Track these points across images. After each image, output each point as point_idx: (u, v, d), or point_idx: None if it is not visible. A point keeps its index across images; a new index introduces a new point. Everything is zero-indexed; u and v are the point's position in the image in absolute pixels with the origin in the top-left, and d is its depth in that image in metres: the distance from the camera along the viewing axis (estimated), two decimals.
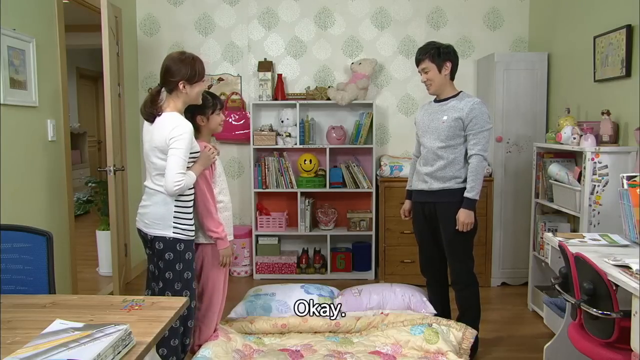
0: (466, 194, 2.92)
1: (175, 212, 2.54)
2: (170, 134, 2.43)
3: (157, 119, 2.52)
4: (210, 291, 2.87)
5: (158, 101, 2.56)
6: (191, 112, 2.79)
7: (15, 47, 2.96)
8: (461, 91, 3.08)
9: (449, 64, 2.99)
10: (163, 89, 2.58)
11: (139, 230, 2.65)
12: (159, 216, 2.54)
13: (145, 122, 2.61)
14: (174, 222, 2.54)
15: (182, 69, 2.52)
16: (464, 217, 2.92)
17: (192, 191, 2.61)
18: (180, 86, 2.52)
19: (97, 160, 9.13)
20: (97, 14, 3.62)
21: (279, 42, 4.79)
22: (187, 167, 2.52)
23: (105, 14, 3.50)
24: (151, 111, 2.53)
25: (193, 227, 2.63)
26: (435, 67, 2.99)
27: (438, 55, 2.98)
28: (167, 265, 2.56)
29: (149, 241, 2.59)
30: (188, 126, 2.48)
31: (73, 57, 6.94)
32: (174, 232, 2.54)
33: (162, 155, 2.48)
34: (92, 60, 8.51)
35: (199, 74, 2.56)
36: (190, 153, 2.52)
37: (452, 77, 3.05)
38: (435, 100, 3.11)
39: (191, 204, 2.61)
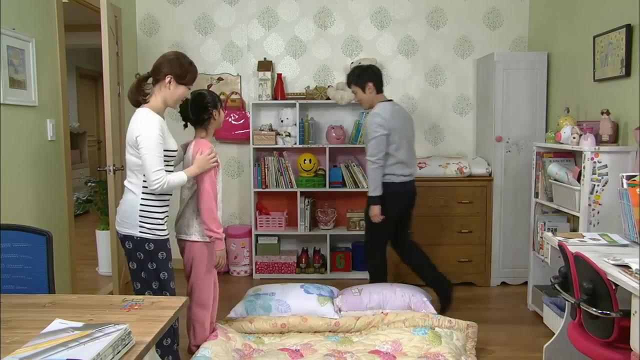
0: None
1: (140, 210, 2.49)
2: (138, 130, 2.41)
3: (135, 113, 2.51)
4: (200, 289, 2.86)
5: (144, 88, 2.55)
6: (204, 108, 2.80)
7: (15, 46, 2.96)
8: (381, 102, 3.56)
9: (370, 84, 3.54)
10: (151, 79, 2.58)
11: (117, 231, 2.62)
12: (126, 214, 2.52)
13: None
14: (139, 222, 2.49)
15: (176, 65, 2.52)
16: (369, 211, 3.54)
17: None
18: (167, 80, 2.51)
19: (96, 159, 9.12)
20: (97, 14, 3.62)
21: (279, 41, 4.79)
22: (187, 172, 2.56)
23: (104, 13, 3.50)
24: (136, 97, 2.53)
25: (163, 227, 2.56)
26: (359, 89, 3.57)
27: (358, 79, 3.55)
28: (140, 265, 2.55)
29: (122, 240, 2.57)
30: (156, 123, 2.44)
31: (73, 57, 6.95)
32: (140, 232, 2.49)
33: (132, 150, 2.47)
34: (92, 59, 8.51)
35: (189, 78, 2.56)
36: (165, 150, 2.48)
37: (379, 91, 3.59)
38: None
39: (161, 203, 2.55)
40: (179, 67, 2.52)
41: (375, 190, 3.49)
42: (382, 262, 3.76)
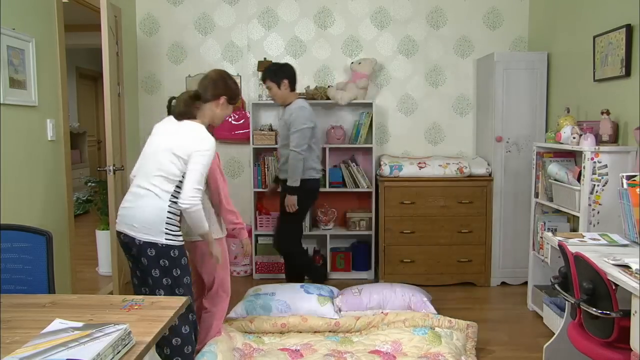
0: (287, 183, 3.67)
1: (168, 217, 2.45)
2: (197, 145, 2.44)
3: (184, 124, 2.52)
4: (227, 282, 2.92)
5: (195, 104, 2.58)
6: None
7: (15, 46, 2.96)
8: (298, 97, 3.77)
9: (286, 81, 3.67)
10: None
11: (121, 233, 2.52)
12: (148, 220, 2.43)
13: (165, 121, 2.60)
14: (166, 229, 2.44)
15: (232, 86, 2.66)
16: (286, 200, 3.70)
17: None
18: (221, 100, 2.62)
19: (96, 159, 9.12)
20: (97, 14, 3.62)
21: (279, 41, 4.79)
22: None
23: (104, 13, 3.50)
24: (186, 110, 2.54)
25: (181, 231, 2.54)
26: (275, 85, 3.67)
27: (275, 75, 3.66)
28: (164, 272, 2.48)
29: (138, 246, 2.46)
30: (213, 143, 2.50)
31: (73, 57, 6.94)
32: (166, 239, 2.44)
33: (177, 160, 2.44)
34: (92, 59, 8.50)
35: (237, 98, 2.72)
36: None
37: (292, 89, 3.74)
38: (285, 105, 3.79)
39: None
40: (231, 89, 2.67)
41: (296, 181, 3.63)
42: (306, 256, 3.99)
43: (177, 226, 2.50)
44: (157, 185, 2.47)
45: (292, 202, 3.67)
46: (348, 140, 4.67)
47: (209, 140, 2.48)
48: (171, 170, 2.46)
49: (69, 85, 5.66)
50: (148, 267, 2.48)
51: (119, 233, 2.54)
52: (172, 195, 2.47)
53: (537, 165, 3.76)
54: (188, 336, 2.53)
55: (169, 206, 2.45)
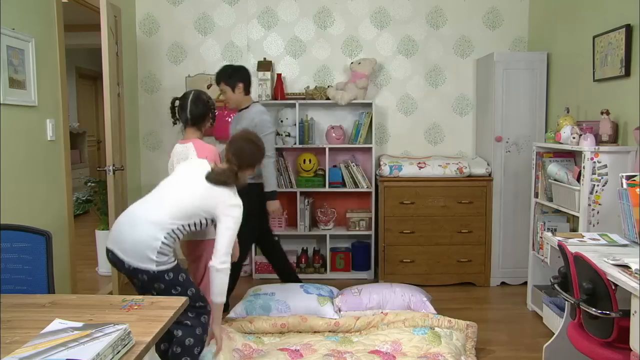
0: (265, 189, 3.54)
1: (160, 247, 2.39)
2: (230, 210, 2.49)
3: (225, 189, 2.55)
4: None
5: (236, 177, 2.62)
6: (205, 104, 2.89)
7: (15, 46, 2.96)
8: (254, 102, 3.67)
9: (240, 84, 3.56)
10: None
11: (110, 252, 2.45)
12: (139, 247, 2.38)
13: (197, 169, 2.60)
14: (157, 258, 2.39)
15: (263, 149, 2.73)
16: (270, 206, 3.60)
17: (192, 229, 2.56)
18: (255, 168, 2.73)
19: (96, 159, 9.12)
20: (97, 14, 3.62)
21: (279, 41, 4.79)
22: None
23: (104, 13, 3.50)
24: (231, 182, 2.56)
25: (172, 253, 2.50)
26: (229, 88, 3.55)
27: (230, 78, 3.54)
28: (162, 293, 2.42)
29: (128, 270, 2.41)
30: (242, 208, 2.55)
31: (72, 57, 6.93)
32: (157, 266, 2.39)
33: (203, 206, 2.48)
34: (92, 59, 8.51)
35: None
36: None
37: (247, 93, 3.61)
38: (239, 110, 3.68)
39: (177, 238, 2.52)
40: (263, 152, 2.73)
41: (274, 185, 3.58)
42: (242, 261, 3.74)
43: (168, 255, 2.44)
44: (161, 215, 2.44)
45: (276, 206, 3.61)
46: (348, 140, 4.67)
47: (240, 207, 2.53)
48: (194, 213, 2.47)
49: (69, 85, 5.66)
50: (143, 287, 2.46)
51: (108, 250, 2.47)
52: (172, 230, 2.44)
53: (537, 165, 3.76)
54: (200, 337, 2.55)
55: (164, 237, 2.41)
